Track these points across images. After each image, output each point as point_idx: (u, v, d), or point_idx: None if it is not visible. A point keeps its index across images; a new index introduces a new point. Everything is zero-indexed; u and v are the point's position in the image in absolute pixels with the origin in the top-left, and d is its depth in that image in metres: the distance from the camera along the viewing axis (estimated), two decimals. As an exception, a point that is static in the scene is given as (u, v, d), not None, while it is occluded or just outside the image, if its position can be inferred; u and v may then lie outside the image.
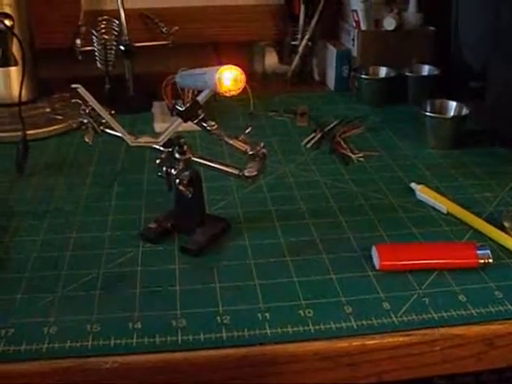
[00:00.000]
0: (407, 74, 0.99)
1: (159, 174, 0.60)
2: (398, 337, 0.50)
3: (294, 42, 1.08)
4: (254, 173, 0.58)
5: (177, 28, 1.02)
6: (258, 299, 0.54)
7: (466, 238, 0.63)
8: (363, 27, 1.02)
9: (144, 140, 0.62)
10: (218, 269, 0.58)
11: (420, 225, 0.65)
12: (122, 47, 0.97)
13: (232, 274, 0.57)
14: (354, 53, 1.03)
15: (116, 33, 0.97)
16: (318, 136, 0.87)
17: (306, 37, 1.06)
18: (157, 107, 0.96)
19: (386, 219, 0.66)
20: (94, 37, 0.97)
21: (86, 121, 0.65)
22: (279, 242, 0.62)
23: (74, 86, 0.60)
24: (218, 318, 0.52)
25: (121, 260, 0.60)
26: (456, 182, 0.75)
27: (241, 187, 0.72)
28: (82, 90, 0.60)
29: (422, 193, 0.71)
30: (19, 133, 0.79)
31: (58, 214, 0.68)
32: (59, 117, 0.91)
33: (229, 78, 0.54)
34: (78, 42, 0.98)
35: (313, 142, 0.86)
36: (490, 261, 0.57)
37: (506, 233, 0.62)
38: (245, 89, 0.55)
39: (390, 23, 1.00)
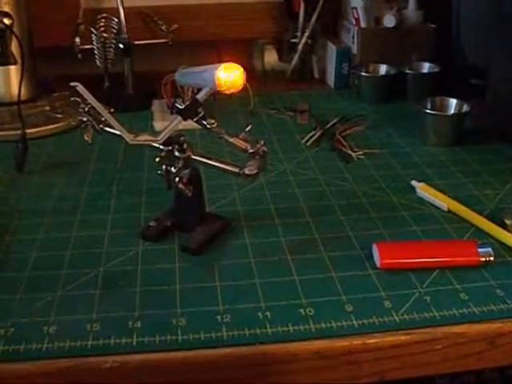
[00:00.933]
0: (407, 71, 0.99)
1: (159, 172, 0.59)
2: (400, 335, 0.50)
3: (293, 40, 1.08)
4: (255, 171, 0.58)
5: (176, 26, 1.03)
6: (259, 298, 0.54)
7: (467, 236, 0.63)
8: (363, 24, 1.02)
9: (143, 138, 0.62)
10: (218, 267, 0.58)
11: (421, 223, 0.65)
12: (121, 45, 0.97)
13: (232, 273, 0.57)
14: (354, 50, 1.03)
15: (115, 31, 0.97)
16: (318, 134, 0.87)
17: (306, 34, 1.06)
18: (156, 105, 0.96)
19: (387, 217, 0.66)
20: (93, 35, 0.97)
21: (85, 119, 0.65)
22: (279, 241, 0.62)
23: (73, 84, 0.59)
24: (219, 316, 0.51)
25: (121, 259, 0.59)
26: (457, 179, 0.75)
27: (241, 185, 0.72)
28: (81, 88, 0.60)
29: (423, 190, 0.70)
30: (19, 131, 0.78)
31: (58, 213, 0.68)
32: (58, 115, 0.91)
33: (228, 75, 0.53)
34: (78, 40, 0.98)
35: (313, 139, 0.86)
36: (492, 259, 0.57)
37: (508, 230, 0.62)
38: (244, 87, 0.55)
39: (389, 20, 1.00)
